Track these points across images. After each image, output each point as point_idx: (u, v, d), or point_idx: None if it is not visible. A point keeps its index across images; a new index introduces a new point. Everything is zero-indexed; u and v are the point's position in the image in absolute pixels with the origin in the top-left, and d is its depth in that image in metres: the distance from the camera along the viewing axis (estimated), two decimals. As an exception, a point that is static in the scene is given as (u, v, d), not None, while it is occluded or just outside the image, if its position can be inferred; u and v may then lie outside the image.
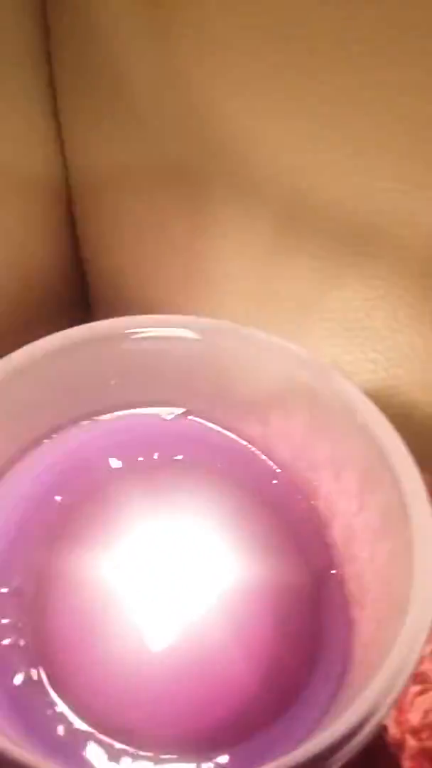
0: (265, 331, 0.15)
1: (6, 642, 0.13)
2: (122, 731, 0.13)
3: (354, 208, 0.16)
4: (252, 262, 0.19)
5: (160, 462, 0.16)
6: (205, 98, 0.17)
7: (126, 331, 0.15)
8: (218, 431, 0.17)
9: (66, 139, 0.21)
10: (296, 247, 0.18)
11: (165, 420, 0.17)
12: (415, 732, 0.14)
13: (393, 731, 0.14)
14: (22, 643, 0.14)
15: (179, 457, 0.17)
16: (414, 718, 0.14)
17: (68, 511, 0.16)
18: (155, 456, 0.16)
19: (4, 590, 0.14)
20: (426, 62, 0.14)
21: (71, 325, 0.16)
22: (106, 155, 0.20)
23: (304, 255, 0.18)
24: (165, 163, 0.19)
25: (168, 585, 0.14)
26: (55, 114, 0.20)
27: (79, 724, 0.13)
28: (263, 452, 0.16)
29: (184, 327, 0.15)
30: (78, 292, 0.25)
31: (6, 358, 0.15)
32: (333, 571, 0.14)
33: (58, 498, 0.16)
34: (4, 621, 0.14)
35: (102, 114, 0.19)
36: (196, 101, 0.17)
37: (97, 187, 0.21)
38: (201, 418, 0.17)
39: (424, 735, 0.14)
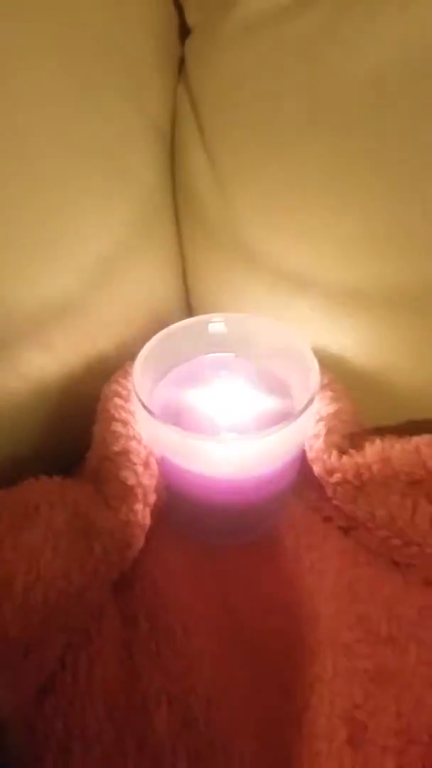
0: (270, 317, 0.37)
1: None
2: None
3: (326, 278, 0.38)
4: (262, 299, 0.41)
5: (227, 372, 0.38)
6: (247, 226, 0.40)
7: (209, 321, 0.37)
8: (249, 362, 0.38)
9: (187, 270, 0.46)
10: (289, 294, 0.40)
11: (227, 358, 0.39)
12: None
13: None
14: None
15: (231, 369, 0.38)
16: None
17: (186, 387, 0.38)
18: (224, 373, 0.38)
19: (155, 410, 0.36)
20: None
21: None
22: (210, 271, 0.44)
23: (299, 299, 0.40)
24: (235, 259, 0.42)
25: (232, 406, 0.36)
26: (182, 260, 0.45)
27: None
28: (271, 369, 0.38)
29: (235, 319, 0.37)
30: (185, 312, 0.49)
31: (161, 332, 0.37)
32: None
33: (182, 386, 0.38)
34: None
35: (210, 250, 0.43)
36: (240, 225, 0.40)
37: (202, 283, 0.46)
38: (243, 357, 0.39)
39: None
